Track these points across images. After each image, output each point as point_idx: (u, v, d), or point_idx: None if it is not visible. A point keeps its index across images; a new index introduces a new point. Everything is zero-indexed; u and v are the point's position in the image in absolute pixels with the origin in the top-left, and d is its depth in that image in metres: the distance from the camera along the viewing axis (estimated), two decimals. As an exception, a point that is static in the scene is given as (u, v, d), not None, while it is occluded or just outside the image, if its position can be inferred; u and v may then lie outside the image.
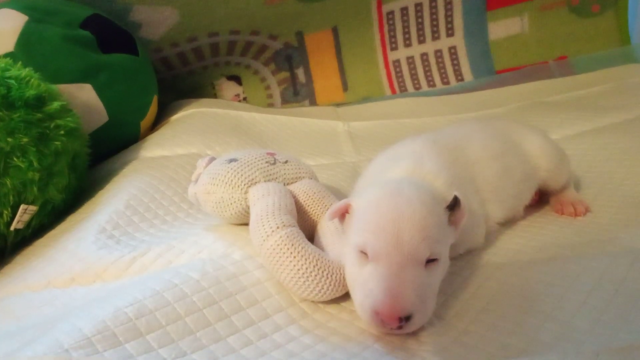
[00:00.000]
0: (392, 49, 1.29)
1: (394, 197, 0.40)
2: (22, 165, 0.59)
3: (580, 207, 0.58)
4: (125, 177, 0.72)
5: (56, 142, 0.63)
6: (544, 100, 1.07)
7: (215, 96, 1.29)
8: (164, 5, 1.09)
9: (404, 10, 1.27)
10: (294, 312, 0.42)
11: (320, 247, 0.48)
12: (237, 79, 1.29)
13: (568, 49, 1.26)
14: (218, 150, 0.84)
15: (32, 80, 0.65)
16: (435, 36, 1.28)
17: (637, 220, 0.55)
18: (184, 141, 0.86)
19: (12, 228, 0.59)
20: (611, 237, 0.51)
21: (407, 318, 0.36)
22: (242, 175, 0.50)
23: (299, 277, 0.42)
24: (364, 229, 0.39)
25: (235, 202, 0.50)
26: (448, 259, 0.42)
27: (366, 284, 0.38)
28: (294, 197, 0.51)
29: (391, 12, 1.27)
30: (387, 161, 0.51)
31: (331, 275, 0.42)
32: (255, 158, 0.53)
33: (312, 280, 0.42)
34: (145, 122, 0.97)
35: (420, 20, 1.27)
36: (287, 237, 0.43)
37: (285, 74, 1.29)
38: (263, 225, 0.44)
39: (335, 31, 1.27)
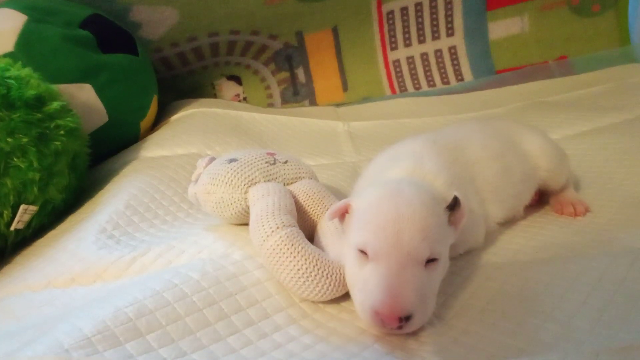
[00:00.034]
0: (392, 49, 1.29)
1: (394, 197, 0.40)
2: (22, 166, 0.59)
3: (580, 207, 0.58)
4: (125, 177, 0.72)
5: (56, 142, 0.63)
6: (544, 100, 1.07)
7: (215, 96, 1.29)
8: (163, 5, 1.09)
9: (404, 10, 1.27)
10: (294, 312, 0.42)
11: (320, 247, 0.48)
12: (237, 79, 1.29)
13: (568, 49, 1.26)
14: (218, 150, 0.84)
15: (32, 80, 0.65)
16: (435, 36, 1.28)
17: (637, 220, 0.55)
18: (184, 141, 0.86)
19: (12, 228, 0.59)
20: (611, 237, 0.51)
21: (407, 318, 0.36)
22: (242, 175, 0.50)
23: (299, 277, 0.42)
24: (364, 228, 0.39)
25: (235, 202, 0.50)
26: (448, 259, 0.42)
27: (366, 284, 0.38)
28: (294, 197, 0.51)
29: (391, 12, 1.27)
30: (387, 161, 0.51)
31: (331, 275, 0.42)
32: (255, 158, 0.53)
33: (312, 280, 0.42)
34: (145, 122, 0.97)
35: (420, 20, 1.27)
36: (287, 237, 0.43)
37: (285, 74, 1.29)
38: (263, 226, 0.44)
39: (335, 31, 1.27)
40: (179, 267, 0.46)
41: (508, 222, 0.57)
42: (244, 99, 1.30)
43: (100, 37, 0.88)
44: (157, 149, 0.83)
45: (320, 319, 0.42)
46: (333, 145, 0.95)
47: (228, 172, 0.51)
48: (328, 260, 0.43)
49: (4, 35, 0.78)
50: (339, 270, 0.42)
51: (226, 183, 0.50)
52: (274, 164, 0.53)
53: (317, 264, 0.42)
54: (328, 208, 0.47)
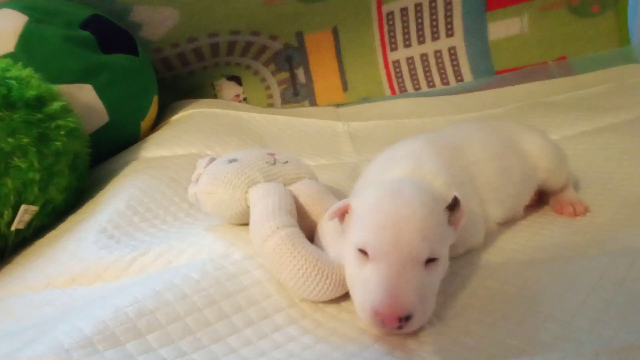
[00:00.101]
0: (392, 50, 1.29)
1: (394, 197, 0.40)
2: (23, 166, 0.59)
3: (580, 207, 0.58)
4: (125, 177, 0.72)
5: (57, 143, 0.63)
6: (543, 100, 1.07)
7: (215, 96, 1.29)
8: (164, 5, 1.09)
9: (404, 11, 1.27)
10: (294, 312, 0.42)
11: (320, 247, 0.48)
12: (237, 79, 1.29)
13: (568, 49, 1.26)
14: (218, 150, 0.84)
15: (33, 80, 0.65)
16: (435, 36, 1.28)
17: (637, 220, 0.55)
18: (184, 141, 0.86)
19: (12, 228, 0.59)
20: (611, 237, 0.51)
21: (407, 318, 0.36)
22: (242, 175, 0.50)
23: (299, 277, 0.42)
24: (364, 228, 0.39)
25: (235, 202, 0.50)
26: (448, 259, 0.42)
27: (366, 284, 0.38)
28: (294, 197, 0.51)
29: (391, 13, 1.27)
30: (387, 161, 0.51)
31: (331, 275, 0.42)
32: (256, 158, 0.53)
33: (312, 280, 0.42)
34: (146, 123, 0.97)
35: (420, 20, 1.27)
36: (287, 237, 0.43)
37: (285, 74, 1.30)
38: (263, 226, 0.44)
39: (335, 31, 1.27)
40: (179, 267, 0.46)
41: (508, 222, 0.57)
42: (244, 99, 1.30)
43: (101, 38, 0.88)
44: (157, 149, 0.83)
45: (320, 319, 0.42)
46: (333, 146, 0.95)
47: (228, 172, 0.51)
48: (328, 260, 0.43)
49: (5, 35, 0.78)
50: (339, 270, 0.42)
51: (226, 183, 0.50)
52: (274, 164, 0.53)
53: (317, 264, 0.42)
54: (328, 208, 0.47)
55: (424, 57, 1.29)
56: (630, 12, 1.23)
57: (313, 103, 1.31)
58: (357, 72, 1.30)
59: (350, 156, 0.89)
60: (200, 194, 0.52)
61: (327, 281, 0.42)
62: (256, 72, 1.29)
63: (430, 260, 0.38)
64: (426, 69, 1.29)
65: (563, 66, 1.24)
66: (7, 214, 0.58)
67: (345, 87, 1.30)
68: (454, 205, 0.42)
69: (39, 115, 0.62)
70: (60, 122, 0.64)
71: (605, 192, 0.63)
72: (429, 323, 0.39)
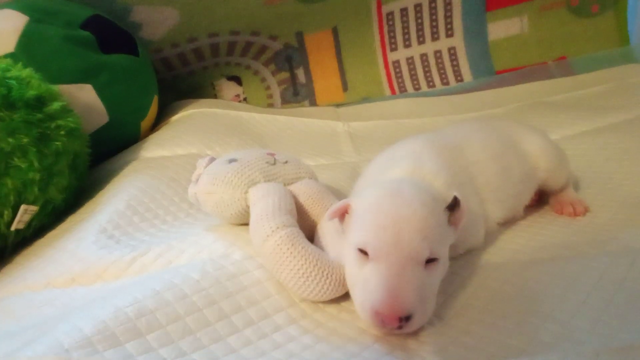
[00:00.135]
0: (392, 50, 1.29)
1: (394, 197, 0.40)
2: (23, 166, 0.59)
3: (580, 207, 0.58)
4: (125, 177, 0.72)
5: (57, 143, 0.63)
6: (543, 100, 1.07)
7: (215, 96, 1.29)
8: (164, 5, 1.10)
9: (404, 11, 1.27)
10: (294, 312, 0.42)
11: (320, 247, 0.48)
12: (237, 80, 1.29)
13: (567, 50, 1.26)
14: (218, 150, 0.84)
15: (33, 80, 0.65)
16: (435, 37, 1.28)
17: (637, 220, 0.55)
18: (184, 141, 0.86)
19: (12, 228, 0.59)
20: (611, 237, 0.51)
21: (407, 318, 0.36)
22: (242, 175, 0.50)
23: (299, 277, 0.42)
24: (365, 228, 0.39)
25: (235, 202, 0.50)
26: (448, 259, 0.42)
27: (366, 284, 0.38)
28: (294, 197, 0.51)
29: (391, 13, 1.27)
30: (387, 161, 0.51)
31: (331, 275, 0.42)
32: (255, 158, 0.53)
33: (312, 280, 0.42)
34: (146, 123, 0.97)
35: (419, 21, 1.27)
36: (287, 237, 0.43)
37: (285, 74, 1.30)
38: (263, 226, 0.44)
39: (335, 31, 1.27)
40: (179, 267, 0.46)
41: (508, 222, 0.57)
42: (244, 99, 1.30)
43: (101, 38, 0.88)
44: (157, 149, 0.83)
45: (320, 319, 0.42)
46: (333, 146, 0.95)
47: (228, 172, 0.51)
48: (328, 260, 0.43)
49: (5, 35, 0.78)
50: (339, 270, 0.42)
51: (226, 183, 0.50)
52: (274, 164, 0.53)
53: (317, 264, 0.42)
54: (328, 208, 0.47)
55: (423, 57, 1.29)
56: (629, 12, 1.23)
57: (313, 103, 1.31)
58: (357, 72, 1.30)
59: (350, 156, 0.89)
60: (200, 194, 0.52)
61: (327, 281, 0.42)
62: (256, 72, 1.29)
63: (430, 260, 0.38)
64: (426, 69, 1.29)
65: (563, 66, 1.24)
66: (7, 214, 0.58)
67: (345, 87, 1.30)
68: (454, 205, 0.42)
69: (39, 115, 0.62)
70: (60, 122, 0.64)
71: (605, 192, 0.63)
72: (429, 323, 0.39)
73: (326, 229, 0.49)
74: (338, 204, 0.43)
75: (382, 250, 0.38)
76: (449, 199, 0.42)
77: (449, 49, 1.28)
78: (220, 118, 1.01)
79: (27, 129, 0.60)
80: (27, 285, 0.50)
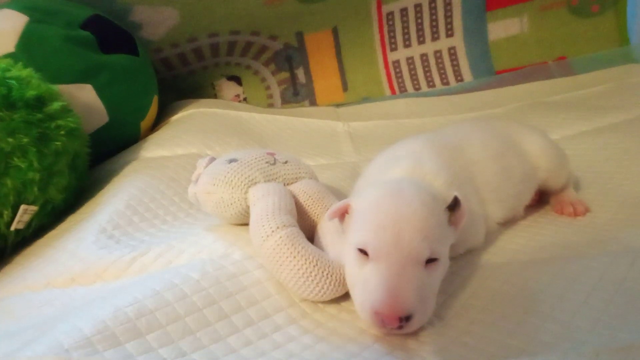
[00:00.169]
0: (392, 50, 1.29)
1: (394, 197, 0.40)
2: (23, 166, 0.59)
3: (580, 207, 0.58)
4: (125, 177, 0.72)
5: (56, 142, 0.63)
6: (543, 100, 1.07)
7: (215, 96, 1.29)
8: (164, 5, 1.10)
9: (404, 11, 1.27)
10: (294, 312, 0.42)
11: (320, 247, 0.48)
12: (237, 79, 1.29)
13: (567, 49, 1.26)
14: (218, 150, 0.84)
15: (33, 80, 0.65)
16: (435, 37, 1.28)
17: (637, 220, 0.55)
18: (184, 141, 0.86)
19: (12, 228, 0.59)
20: (611, 237, 0.51)
21: (407, 318, 0.36)
22: (242, 175, 0.50)
23: (299, 277, 0.42)
24: (365, 228, 0.39)
25: (235, 202, 0.50)
26: (448, 259, 0.42)
27: (366, 284, 0.38)
28: (294, 197, 0.51)
29: (391, 13, 1.27)
30: (387, 161, 0.51)
31: (331, 275, 0.42)
32: (255, 158, 0.53)
33: (312, 280, 0.42)
34: (146, 123, 0.97)
35: (419, 21, 1.27)
36: (287, 237, 0.43)
37: (285, 74, 1.30)
38: (263, 226, 0.44)
39: (335, 31, 1.27)
40: (179, 267, 0.46)
41: (508, 222, 0.57)
42: (244, 99, 1.30)
43: (101, 38, 0.88)
44: (157, 149, 0.83)
45: (320, 319, 0.42)
46: (333, 145, 0.95)
47: (228, 172, 0.51)
48: (328, 260, 0.43)
49: (5, 35, 0.78)
50: (339, 270, 0.42)
51: (226, 183, 0.50)
52: (274, 164, 0.53)
53: (317, 264, 0.42)
54: (328, 208, 0.47)
55: (424, 57, 1.29)
56: (629, 12, 1.23)
57: (313, 103, 1.31)
58: (357, 72, 1.30)
59: (350, 156, 0.89)
60: (200, 194, 0.52)
61: (327, 281, 0.42)
62: (256, 72, 1.29)
63: (430, 260, 0.38)
64: (426, 69, 1.29)
65: (563, 66, 1.24)
66: (6, 214, 0.58)
67: (345, 87, 1.30)
68: (454, 205, 0.42)
69: (39, 115, 0.62)
70: (60, 122, 0.64)
71: (605, 192, 0.63)
72: (429, 323, 0.39)
73: (326, 229, 0.49)
74: (338, 204, 0.43)
75: (382, 250, 0.37)
76: (449, 199, 0.42)
77: (449, 49, 1.28)
78: (220, 118, 1.01)
79: (27, 129, 0.60)
80: (27, 285, 0.50)
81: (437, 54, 1.29)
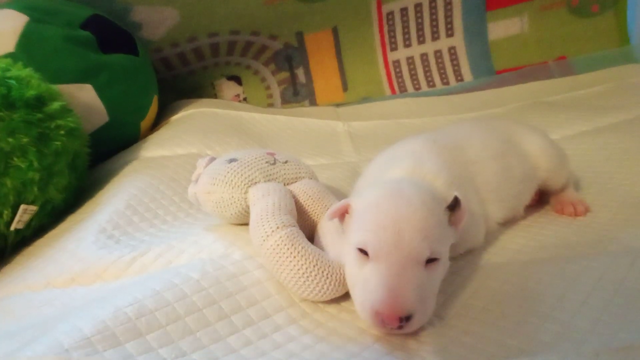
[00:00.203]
0: (392, 49, 1.29)
1: (394, 197, 0.40)
2: (22, 165, 0.59)
3: (580, 207, 0.58)
4: (125, 177, 0.72)
5: (56, 142, 0.63)
6: (543, 100, 1.07)
7: (215, 96, 1.29)
8: (164, 5, 1.10)
9: (404, 11, 1.27)
10: (294, 312, 0.42)
11: (320, 247, 0.48)
12: (237, 79, 1.29)
13: (567, 49, 1.26)
14: (218, 150, 0.84)
15: (33, 80, 0.65)
16: (435, 36, 1.28)
17: (637, 220, 0.55)
18: (184, 141, 0.86)
19: (12, 228, 0.59)
20: (611, 237, 0.51)
21: (408, 318, 0.36)
22: (242, 175, 0.50)
23: (299, 277, 0.42)
24: (365, 228, 0.39)
25: (235, 202, 0.50)
26: (448, 259, 0.42)
27: (366, 284, 0.38)
28: (294, 197, 0.51)
29: (391, 13, 1.27)
30: (387, 161, 0.51)
31: (331, 275, 0.42)
32: (255, 158, 0.53)
33: (312, 280, 0.42)
34: (146, 122, 0.97)
35: (420, 20, 1.27)
36: (287, 237, 0.43)
37: (285, 74, 1.30)
38: (263, 225, 0.44)
39: (335, 31, 1.27)
40: (179, 267, 0.46)
41: (508, 222, 0.57)
42: (244, 99, 1.30)
43: (101, 38, 0.88)
44: (157, 149, 0.83)
45: (320, 319, 0.42)
46: (333, 145, 0.95)
47: (228, 172, 0.51)
48: (328, 260, 0.43)
49: (5, 35, 0.78)
50: (339, 270, 0.42)
51: (226, 183, 0.50)
52: (274, 163, 0.53)
53: (317, 264, 0.42)
54: (328, 208, 0.47)
55: (424, 57, 1.29)
56: (629, 12, 1.23)
57: (313, 103, 1.31)
58: (357, 72, 1.30)
59: (350, 156, 0.89)
60: (200, 194, 0.52)
61: (327, 281, 0.42)
62: (256, 72, 1.29)
63: (430, 260, 0.38)
64: (426, 68, 1.29)
65: (563, 66, 1.24)
66: (6, 213, 0.58)
67: (345, 87, 1.30)
68: (454, 205, 0.42)
69: (39, 115, 0.62)
70: (60, 122, 0.64)
71: (605, 192, 0.63)
72: (429, 323, 0.39)
73: (326, 229, 0.49)
74: (338, 204, 0.43)
75: (382, 250, 0.37)
76: (450, 199, 0.42)
77: (449, 49, 1.28)
78: (220, 118, 1.01)
79: (27, 129, 0.60)
80: (27, 285, 0.50)
81: (437, 54, 1.29)
